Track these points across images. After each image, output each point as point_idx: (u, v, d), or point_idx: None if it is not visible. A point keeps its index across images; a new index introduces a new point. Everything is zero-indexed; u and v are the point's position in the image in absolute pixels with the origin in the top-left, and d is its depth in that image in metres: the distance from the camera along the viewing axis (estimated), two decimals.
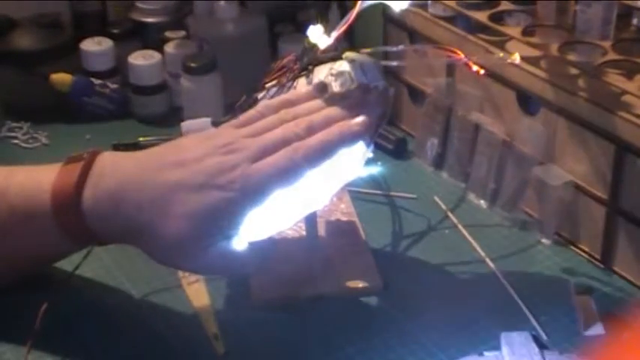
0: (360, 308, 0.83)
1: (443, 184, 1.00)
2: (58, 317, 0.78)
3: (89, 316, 0.82)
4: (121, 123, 1.14)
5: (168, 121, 1.13)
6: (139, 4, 1.21)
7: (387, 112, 0.81)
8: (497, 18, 0.97)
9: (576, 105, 0.86)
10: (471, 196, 0.97)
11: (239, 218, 0.73)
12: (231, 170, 0.73)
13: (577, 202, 0.88)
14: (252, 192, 0.72)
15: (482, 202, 0.96)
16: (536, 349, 0.72)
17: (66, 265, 0.82)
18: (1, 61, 1.13)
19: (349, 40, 1.11)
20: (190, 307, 0.82)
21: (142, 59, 1.13)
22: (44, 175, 0.77)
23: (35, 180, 0.77)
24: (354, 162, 0.76)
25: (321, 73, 0.80)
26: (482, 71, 0.83)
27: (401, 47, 0.89)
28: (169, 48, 1.15)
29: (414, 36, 1.04)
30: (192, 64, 1.08)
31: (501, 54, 0.90)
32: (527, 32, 0.94)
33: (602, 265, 0.88)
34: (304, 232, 0.86)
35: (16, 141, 1.11)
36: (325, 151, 0.74)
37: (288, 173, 0.73)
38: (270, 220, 0.75)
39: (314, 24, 0.80)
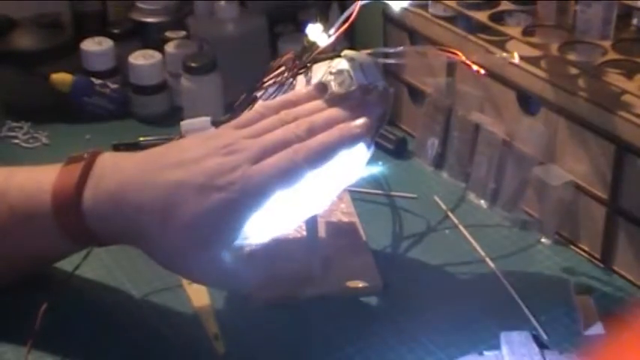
0: (359, 308, 0.83)
1: (443, 184, 1.00)
2: (58, 317, 0.77)
3: (89, 316, 0.82)
4: (121, 123, 1.14)
5: (168, 121, 1.12)
6: (139, 4, 1.21)
7: (388, 112, 0.81)
8: (498, 18, 0.97)
9: (576, 105, 0.86)
10: (471, 196, 0.97)
11: (239, 219, 0.73)
12: (232, 171, 0.73)
13: (577, 202, 0.88)
14: (253, 193, 0.72)
15: (482, 202, 0.96)
16: (536, 349, 0.72)
17: (66, 265, 0.82)
18: (1, 61, 1.13)
19: (349, 40, 1.11)
20: (190, 307, 0.83)
21: (142, 59, 1.13)
22: (44, 175, 0.77)
23: (35, 180, 0.77)
24: (355, 163, 0.76)
25: (320, 71, 0.80)
26: (482, 71, 0.83)
27: (400, 49, 0.89)
28: (169, 48, 1.15)
29: (414, 36, 1.04)
30: (193, 64, 1.08)
31: (503, 54, 0.90)
32: (527, 32, 0.94)
33: (602, 265, 0.88)
34: (304, 232, 0.86)
35: (16, 141, 1.11)
36: (326, 153, 0.74)
37: (288, 174, 0.73)
38: (271, 222, 0.75)
39: (314, 23, 0.80)
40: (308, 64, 0.81)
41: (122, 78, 1.16)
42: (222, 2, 1.15)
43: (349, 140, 0.75)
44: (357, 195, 0.97)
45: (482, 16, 0.97)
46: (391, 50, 0.85)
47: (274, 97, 0.81)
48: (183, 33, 1.17)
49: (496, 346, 0.73)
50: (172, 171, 0.74)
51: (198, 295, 0.83)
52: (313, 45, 0.80)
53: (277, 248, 0.81)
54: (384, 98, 0.79)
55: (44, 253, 0.81)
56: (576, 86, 0.87)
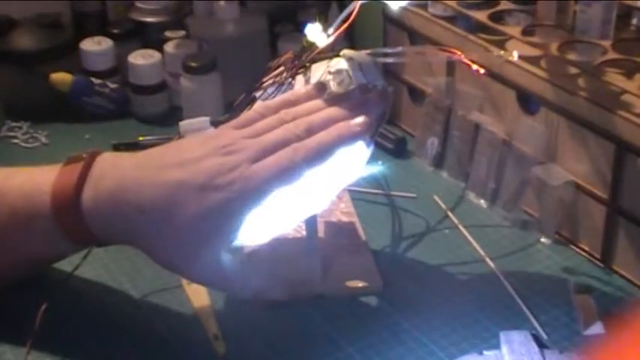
0: (360, 308, 0.83)
1: (443, 183, 1.00)
2: (58, 317, 0.77)
3: (89, 316, 0.82)
4: (121, 123, 1.14)
5: (168, 120, 1.12)
6: (139, 4, 1.21)
7: (387, 112, 0.81)
8: (497, 18, 0.97)
9: (576, 104, 0.86)
10: (471, 196, 0.97)
11: (239, 219, 0.73)
12: (231, 171, 0.73)
13: (577, 201, 0.88)
14: (252, 193, 0.72)
15: (482, 201, 0.96)
16: (536, 348, 0.72)
17: (65, 265, 0.82)
18: (1, 61, 1.13)
19: (349, 40, 1.11)
20: (190, 307, 0.82)
21: (141, 59, 1.13)
22: (44, 176, 0.77)
23: (35, 181, 0.77)
24: (355, 163, 0.76)
25: (319, 70, 0.80)
26: (482, 70, 0.83)
27: (400, 49, 0.89)
28: (169, 48, 1.15)
29: (413, 36, 1.04)
30: (192, 64, 1.08)
31: (500, 52, 0.90)
32: (527, 32, 0.94)
33: (602, 265, 0.88)
34: (304, 232, 0.86)
35: (15, 141, 1.11)
36: (325, 152, 0.74)
37: (287, 174, 0.73)
38: (271, 222, 0.75)
39: (313, 23, 0.80)
40: (307, 64, 0.81)
41: (122, 78, 1.16)
42: (222, 2, 1.15)
43: (348, 139, 0.75)
44: (357, 195, 0.97)
45: (481, 15, 0.97)
46: (390, 50, 0.85)
47: (273, 97, 0.81)
48: (182, 33, 1.17)
49: (496, 346, 0.73)
50: (172, 171, 0.74)
51: (198, 296, 0.83)
52: (312, 45, 0.80)
53: (277, 248, 0.81)
54: (383, 97, 0.79)
55: (44, 254, 0.81)
56: (576, 86, 0.87)
